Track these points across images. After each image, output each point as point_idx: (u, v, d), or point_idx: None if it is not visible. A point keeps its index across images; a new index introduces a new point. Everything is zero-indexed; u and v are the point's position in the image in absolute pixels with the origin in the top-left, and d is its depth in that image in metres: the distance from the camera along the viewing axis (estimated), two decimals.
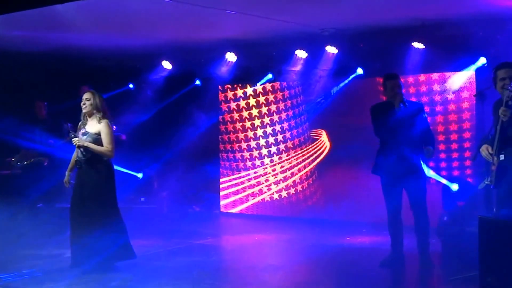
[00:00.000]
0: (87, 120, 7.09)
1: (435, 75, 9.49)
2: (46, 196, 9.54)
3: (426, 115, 7.15)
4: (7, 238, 8.47)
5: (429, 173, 7.54)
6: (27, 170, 9.97)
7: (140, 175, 11.53)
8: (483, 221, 4.75)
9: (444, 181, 8.18)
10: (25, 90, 11.01)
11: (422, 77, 9.59)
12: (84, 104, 7.04)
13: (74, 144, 6.92)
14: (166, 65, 11.70)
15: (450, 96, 9.36)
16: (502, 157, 5.40)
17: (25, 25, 8.55)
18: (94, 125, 7.02)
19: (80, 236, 6.91)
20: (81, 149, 6.92)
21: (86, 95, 7.07)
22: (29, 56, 11.33)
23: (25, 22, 8.21)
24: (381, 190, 6.98)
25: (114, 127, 10.88)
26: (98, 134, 6.96)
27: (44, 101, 10.46)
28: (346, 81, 10.38)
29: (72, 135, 6.97)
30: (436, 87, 9.50)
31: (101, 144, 6.95)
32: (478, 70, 9.02)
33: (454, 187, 7.95)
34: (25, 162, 9.95)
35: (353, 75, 10.23)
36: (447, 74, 9.41)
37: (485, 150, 5.53)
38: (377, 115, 6.97)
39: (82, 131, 7.02)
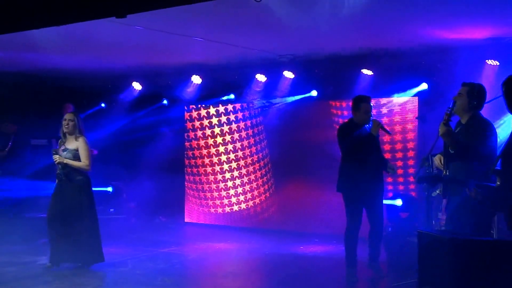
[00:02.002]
0: (66, 138, 7.24)
1: (382, 100, 9.60)
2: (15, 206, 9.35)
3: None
4: None
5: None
6: None
7: (109, 189, 11.41)
8: (421, 235, 4.82)
9: (389, 202, 8.23)
10: (3, 106, 10.86)
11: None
12: (67, 124, 7.20)
13: (55, 161, 7.07)
14: (136, 86, 11.65)
15: (396, 119, 9.48)
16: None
17: (4, 46, 8.44)
18: (73, 142, 7.22)
19: (60, 242, 7.03)
20: (60, 165, 7.06)
21: (69, 116, 7.27)
22: (5, 76, 11.18)
23: (4, 44, 8.09)
24: (337, 205, 6.88)
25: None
26: (77, 149, 7.16)
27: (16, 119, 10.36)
28: (297, 97, 10.41)
29: (54, 152, 7.15)
30: (383, 110, 9.60)
31: (79, 158, 7.14)
32: (420, 95, 9.16)
33: (398, 202, 8.03)
34: None
35: (306, 94, 10.28)
36: (393, 98, 9.52)
37: (438, 159, 5.54)
38: (348, 135, 6.69)
39: (62, 147, 7.21)
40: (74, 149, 7.14)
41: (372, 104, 6.82)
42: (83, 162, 7.14)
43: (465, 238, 4.35)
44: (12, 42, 7.81)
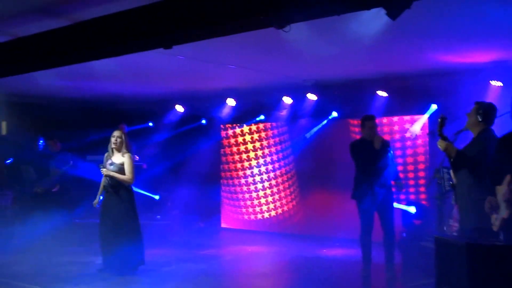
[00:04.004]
0: (113, 153, 7.06)
1: (395, 118, 9.46)
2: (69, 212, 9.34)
3: (392, 151, 7.05)
4: (44, 247, 8.31)
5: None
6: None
7: (157, 197, 11.44)
8: (438, 240, 4.72)
9: (403, 207, 8.06)
10: (67, 127, 11.00)
11: (385, 120, 9.54)
12: (116, 141, 7.01)
13: (103, 173, 6.93)
14: (179, 108, 11.71)
15: (408, 135, 9.32)
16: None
17: (68, 76, 8.52)
18: (119, 157, 7.03)
19: (109, 246, 6.92)
20: (108, 177, 6.92)
21: (117, 133, 7.07)
22: (69, 101, 11.35)
23: (68, 74, 8.16)
24: (356, 212, 6.79)
25: (137, 157, 10.84)
26: (122, 164, 6.96)
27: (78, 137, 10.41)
28: (319, 126, 10.34)
29: (101, 166, 6.95)
30: (396, 127, 9.46)
31: (124, 173, 6.95)
32: (430, 115, 8.97)
33: (412, 209, 7.85)
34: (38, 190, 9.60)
35: (327, 118, 10.21)
36: (406, 117, 9.37)
37: (452, 173, 5.46)
38: (358, 150, 6.76)
39: (109, 161, 7.01)
40: (120, 164, 6.92)
41: (375, 122, 6.79)
42: (127, 176, 6.91)
43: (479, 244, 4.21)
44: (76, 72, 7.89)
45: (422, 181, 9.12)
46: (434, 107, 8.84)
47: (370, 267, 6.71)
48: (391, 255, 6.69)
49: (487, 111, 5.13)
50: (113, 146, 7.02)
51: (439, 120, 5.12)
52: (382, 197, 6.59)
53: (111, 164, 6.96)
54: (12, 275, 6.86)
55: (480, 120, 5.10)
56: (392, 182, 6.78)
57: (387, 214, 6.67)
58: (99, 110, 11.88)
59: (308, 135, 10.48)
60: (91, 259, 7.69)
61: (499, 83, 7.87)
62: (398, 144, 9.35)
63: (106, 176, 6.92)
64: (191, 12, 4.41)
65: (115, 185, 6.92)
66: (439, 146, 5.13)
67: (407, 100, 8.97)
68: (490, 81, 7.93)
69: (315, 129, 10.39)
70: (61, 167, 9.58)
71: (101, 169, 6.92)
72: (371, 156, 6.59)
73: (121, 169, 6.93)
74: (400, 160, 9.18)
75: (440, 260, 4.58)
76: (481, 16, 5.55)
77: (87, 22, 5.17)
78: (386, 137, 8.55)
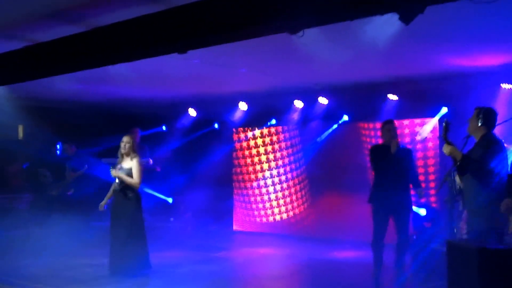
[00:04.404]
0: (123, 158, 7.17)
1: (406, 121, 9.43)
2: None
3: (414, 158, 6.99)
4: (60, 249, 8.37)
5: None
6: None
7: (170, 200, 11.48)
8: (450, 243, 4.69)
9: (413, 209, 8.02)
10: (82, 130, 11.07)
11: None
12: (124, 146, 7.10)
13: (111, 174, 7.04)
14: (192, 112, 11.75)
15: (418, 138, 9.29)
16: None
17: (84, 80, 8.58)
18: (128, 162, 7.14)
19: (115, 248, 7.00)
20: (117, 179, 7.04)
21: (126, 139, 7.18)
22: (83, 105, 11.41)
23: (84, 78, 8.21)
24: (367, 215, 6.73)
25: (151, 160, 10.88)
26: (131, 168, 7.07)
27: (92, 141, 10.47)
28: (330, 130, 10.33)
29: (111, 167, 7.10)
30: (406, 130, 9.43)
31: (132, 177, 7.05)
32: (441, 118, 8.95)
33: (422, 212, 7.81)
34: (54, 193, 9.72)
35: (338, 122, 10.20)
36: (416, 120, 9.34)
37: (457, 179, 5.46)
38: (375, 154, 6.69)
39: (119, 166, 7.13)
40: (128, 168, 7.02)
41: (393, 125, 6.67)
42: (134, 180, 6.99)
43: (491, 247, 4.19)
44: (91, 77, 7.94)
45: (432, 184, 9.08)
46: (444, 110, 8.81)
47: (381, 270, 6.68)
48: (402, 259, 6.63)
49: (487, 116, 5.16)
50: (122, 151, 7.15)
51: (443, 125, 5.13)
52: (399, 201, 6.52)
53: (120, 168, 7.08)
54: (28, 277, 6.91)
55: (481, 124, 5.12)
56: (411, 186, 6.74)
57: (402, 218, 6.56)
58: (114, 114, 11.94)
59: (319, 139, 10.47)
60: (106, 262, 7.71)
61: (510, 86, 7.84)
62: (408, 147, 9.29)
63: (115, 177, 7.04)
64: (205, 18, 4.44)
65: (124, 188, 7.02)
66: (444, 151, 5.14)
67: (418, 103, 8.94)
68: (501, 84, 7.90)
69: (326, 133, 10.40)
70: (77, 170, 9.64)
71: (111, 170, 7.02)
72: (386, 160, 6.52)
73: (129, 174, 7.04)
74: None
75: (452, 263, 4.56)
76: (491, 19, 5.54)
77: (104, 28, 5.22)
78: None
